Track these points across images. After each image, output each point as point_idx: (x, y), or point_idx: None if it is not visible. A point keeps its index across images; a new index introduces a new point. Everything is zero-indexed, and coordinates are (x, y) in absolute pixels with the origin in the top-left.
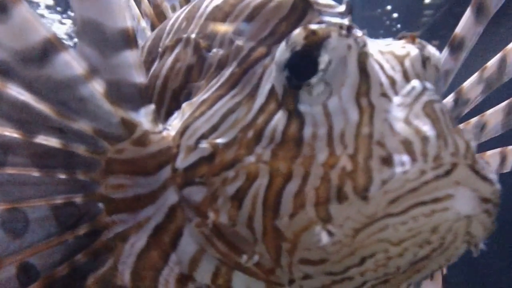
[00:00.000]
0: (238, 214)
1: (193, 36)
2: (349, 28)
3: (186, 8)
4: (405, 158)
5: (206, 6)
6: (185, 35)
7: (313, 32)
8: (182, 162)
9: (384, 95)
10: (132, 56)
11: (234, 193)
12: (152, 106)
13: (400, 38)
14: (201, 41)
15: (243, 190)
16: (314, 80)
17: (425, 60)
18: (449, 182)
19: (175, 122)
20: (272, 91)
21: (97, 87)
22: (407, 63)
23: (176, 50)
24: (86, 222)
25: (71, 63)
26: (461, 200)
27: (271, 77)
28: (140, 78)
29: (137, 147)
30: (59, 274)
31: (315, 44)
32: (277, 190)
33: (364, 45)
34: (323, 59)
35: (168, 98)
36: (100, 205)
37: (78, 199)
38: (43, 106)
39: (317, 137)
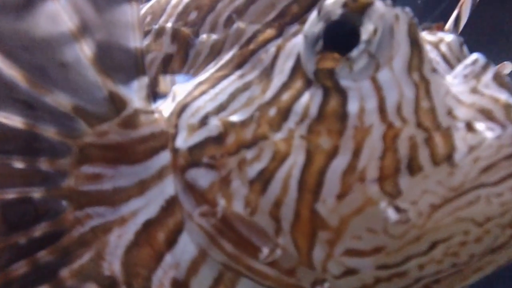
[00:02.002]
0: (260, 200)
1: (169, 25)
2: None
3: (145, 5)
4: (491, 124)
5: None
6: (155, 27)
7: None
8: (185, 141)
9: (435, 70)
10: (131, 13)
11: (256, 175)
12: (146, 79)
13: (422, 30)
14: (184, 29)
15: (270, 170)
16: (355, 53)
17: (461, 45)
18: None
19: (164, 105)
20: (295, 68)
21: (85, 49)
22: (443, 47)
23: (144, 43)
24: (45, 221)
25: (58, 15)
26: None
27: (293, 53)
28: (136, 42)
29: (125, 129)
30: (16, 273)
31: (356, 12)
32: (319, 167)
33: (413, 16)
34: (367, 28)
35: None
36: (64, 202)
37: (36, 194)
38: (12, 71)
39: (366, 111)
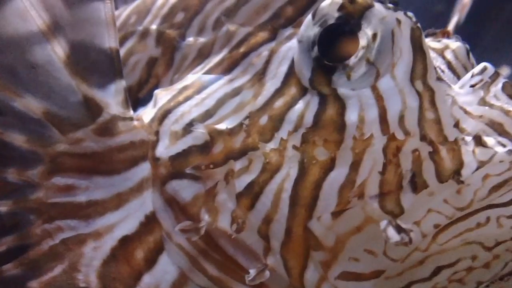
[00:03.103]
0: (249, 216)
1: (153, 27)
2: (394, 3)
3: (130, 5)
4: (502, 138)
5: None
6: (139, 28)
7: (352, 1)
8: (167, 149)
9: (440, 79)
10: (104, 11)
11: (245, 188)
12: (123, 83)
13: (426, 36)
14: (169, 31)
15: (260, 183)
16: (353, 60)
17: (468, 53)
18: None
19: (146, 111)
20: (289, 73)
21: (57, 49)
22: (448, 55)
23: (127, 45)
24: (12, 235)
25: (27, 13)
26: None
27: (287, 58)
28: (111, 41)
29: (101, 136)
30: None
31: (354, 15)
32: (314, 181)
33: (417, 20)
34: (365, 33)
35: None
36: (32, 216)
37: (3, 207)
38: None
39: (366, 121)
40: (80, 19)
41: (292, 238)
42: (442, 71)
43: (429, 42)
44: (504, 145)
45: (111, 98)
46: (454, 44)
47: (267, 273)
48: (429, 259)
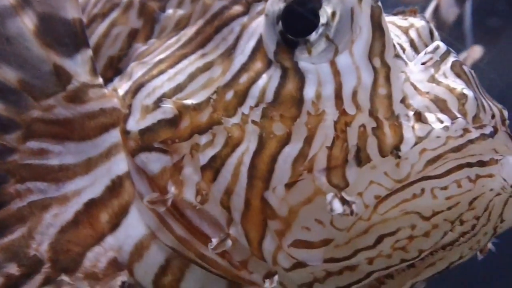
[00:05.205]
0: (212, 188)
1: None
2: None
3: None
4: (442, 115)
5: None
6: (124, 0)
7: None
8: (137, 123)
9: (398, 56)
10: None
11: (208, 161)
12: (89, 52)
13: (395, 14)
14: (151, 3)
15: (222, 157)
16: (313, 36)
17: (431, 32)
18: (493, 145)
19: (121, 83)
20: (257, 48)
21: (27, 22)
22: (412, 33)
23: (111, 16)
24: None
25: None
26: (508, 168)
27: (256, 33)
28: (74, 13)
29: (72, 103)
30: None
31: None
32: (270, 155)
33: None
34: (325, 11)
35: (102, 66)
36: (7, 177)
37: None
38: None
39: (322, 96)
40: None
41: (251, 209)
42: (403, 49)
43: (396, 20)
44: (442, 122)
45: (79, 67)
46: (419, 23)
47: (229, 242)
48: (372, 228)
